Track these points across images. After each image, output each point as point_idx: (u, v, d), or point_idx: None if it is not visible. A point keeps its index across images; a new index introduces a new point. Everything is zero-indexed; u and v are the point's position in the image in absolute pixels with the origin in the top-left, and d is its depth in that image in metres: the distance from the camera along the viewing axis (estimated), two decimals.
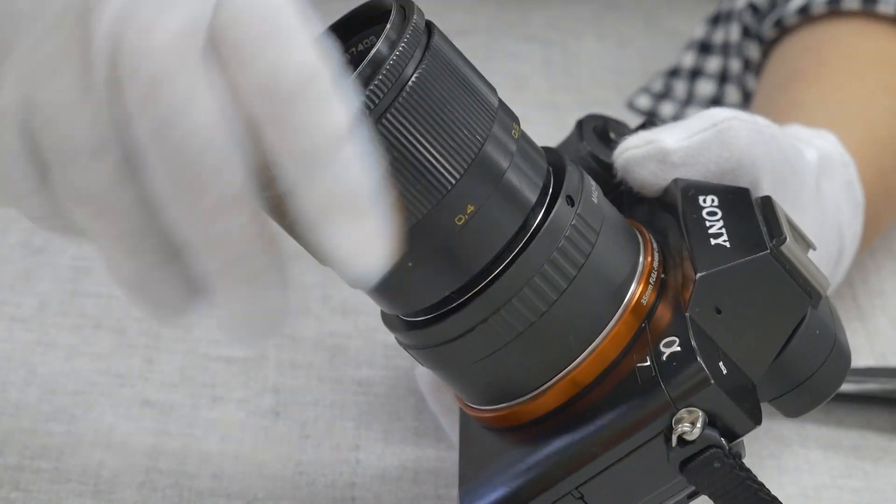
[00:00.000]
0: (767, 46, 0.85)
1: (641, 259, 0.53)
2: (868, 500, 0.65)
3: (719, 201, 0.55)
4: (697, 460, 0.50)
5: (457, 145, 0.48)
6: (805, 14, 0.81)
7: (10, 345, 0.70)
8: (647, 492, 0.51)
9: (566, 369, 0.51)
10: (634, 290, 0.52)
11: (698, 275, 0.51)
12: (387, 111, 0.47)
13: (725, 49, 0.88)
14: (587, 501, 0.51)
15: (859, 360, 0.73)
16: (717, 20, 0.90)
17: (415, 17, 0.48)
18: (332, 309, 0.74)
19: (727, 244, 0.52)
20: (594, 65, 0.97)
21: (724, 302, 0.51)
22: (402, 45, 0.47)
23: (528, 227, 0.50)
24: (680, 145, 0.57)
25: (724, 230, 0.53)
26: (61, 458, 0.64)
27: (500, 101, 0.51)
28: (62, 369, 0.69)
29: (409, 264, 0.49)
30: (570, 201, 0.51)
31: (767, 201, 0.55)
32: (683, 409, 0.50)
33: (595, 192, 0.52)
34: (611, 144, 0.58)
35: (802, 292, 0.52)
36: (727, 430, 0.50)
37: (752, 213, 0.54)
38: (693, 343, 0.50)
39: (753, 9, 0.85)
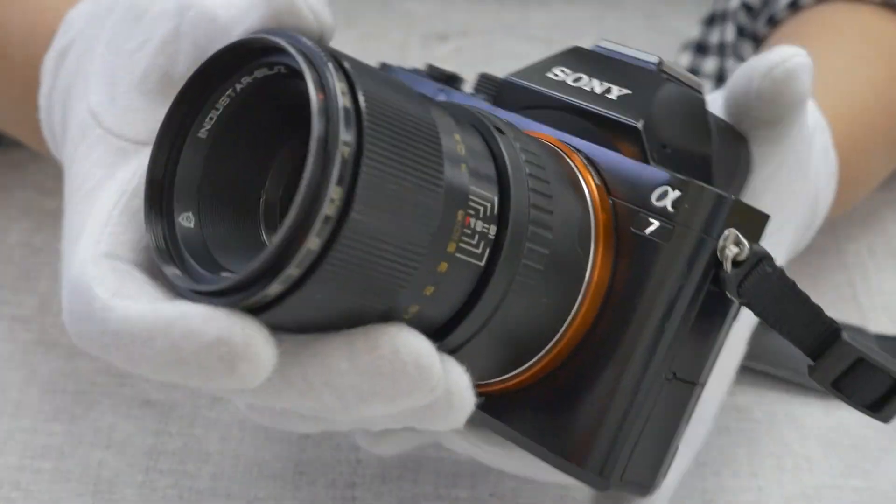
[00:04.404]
0: (762, 45, 0.85)
1: (582, 181, 0.53)
2: (868, 499, 0.65)
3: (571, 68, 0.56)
4: (752, 276, 0.50)
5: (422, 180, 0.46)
6: (795, 8, 0.81)
7: (11, 344, 0.70)
8: (718, 333, 0.52)
9: (585, 280, 0.51)
10: (588, 183, 0.53)
11: (640, 123, 0.52)
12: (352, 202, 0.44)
13: (721, 49, 0.88)
14: (679, 377, 0.52)
15: None
16: (712, 21, 0.90)
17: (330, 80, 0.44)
18: None
19: (624, 90, 0.54)
20: None
21: (663, 135, 0.53)
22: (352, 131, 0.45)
23: (503, 198, 0.49)
24: None
25: (602, 84, 0.55)
26: (61, 458, 0.64)
27: (434, 104, 0.50)
28: (62, 369, 0.69)
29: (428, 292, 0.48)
30: (500, 132, 0.51)
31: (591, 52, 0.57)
32: (722, 237, 0.50)
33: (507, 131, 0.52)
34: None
35: (693, 90, 0.55)
36: (753, 234, 0.51)
37: (608, 57, 0.56)
38: (683, 177, 0.51)
39: (747, 8, 0.86)
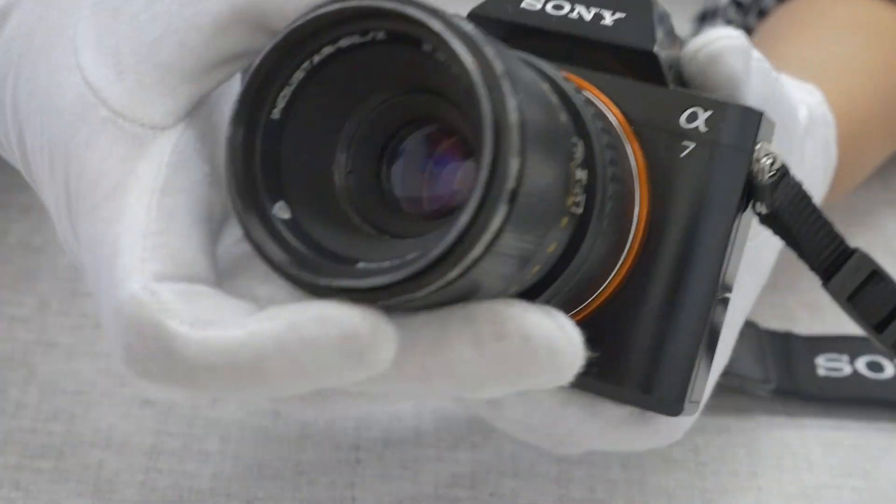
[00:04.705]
0: (751, 37, 0.85)
1: (607, 112, 0.52)
2: (868, 499, 0.65)
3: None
4: (781, 186, 0.50)
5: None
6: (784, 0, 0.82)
7: (11, 344, 0.70)
8: (743, 246, 0.53)
9: (636, 211, 0.51)
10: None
11: (655, 46, 0.51)
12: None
13: None
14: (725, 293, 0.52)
15: None
16: (703, 18, 0.90)
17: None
18: None
19: (617, 14, 0.53)
20: None
21: (668, 56, 0.52)
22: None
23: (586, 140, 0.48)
24: None
25: (588, 9, 0.53)
26: (61, 458, 0.64)
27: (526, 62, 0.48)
28: (62, 369, 0.69)
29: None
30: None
31: None
32: (756, 149, 0.50)
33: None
34: None
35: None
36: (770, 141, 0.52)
37: None
38: (715, 98, 0.51)
39: (737, 4, 0.86)
